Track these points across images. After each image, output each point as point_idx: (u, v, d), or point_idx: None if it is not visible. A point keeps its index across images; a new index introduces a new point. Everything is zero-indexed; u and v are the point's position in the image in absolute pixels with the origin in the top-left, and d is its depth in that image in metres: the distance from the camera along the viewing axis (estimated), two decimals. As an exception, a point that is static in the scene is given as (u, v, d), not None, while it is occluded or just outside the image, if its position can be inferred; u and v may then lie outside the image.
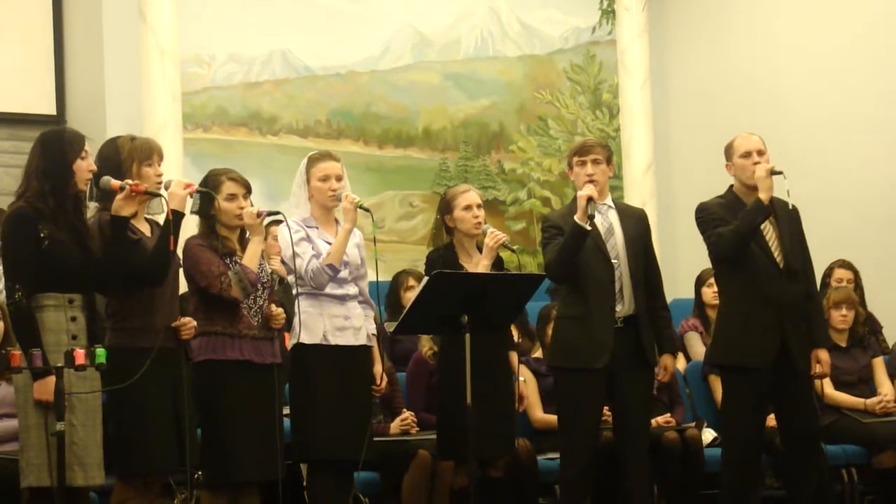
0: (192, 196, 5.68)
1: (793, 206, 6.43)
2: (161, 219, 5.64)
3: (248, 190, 6.05)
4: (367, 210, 6.14)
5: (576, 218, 6.12)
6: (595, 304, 6.24)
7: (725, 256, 6.43)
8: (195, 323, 5.74)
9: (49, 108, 10.07)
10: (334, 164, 6.23)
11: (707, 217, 6.45)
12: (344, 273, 6.15)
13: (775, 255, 6.38)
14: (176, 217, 5.49)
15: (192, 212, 5.94)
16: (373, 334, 6.30)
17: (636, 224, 6.46)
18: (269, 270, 6.14)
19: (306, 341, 6.07)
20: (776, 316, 6.33)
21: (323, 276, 6.04)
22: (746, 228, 6.26)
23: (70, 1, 10.21)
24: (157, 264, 5.50)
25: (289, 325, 6.29)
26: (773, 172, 6.28)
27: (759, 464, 6.65)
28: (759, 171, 6.30)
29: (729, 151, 6.52)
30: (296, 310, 6.11)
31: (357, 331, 6.17)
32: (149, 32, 9.51)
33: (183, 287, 6.17)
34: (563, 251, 6.19)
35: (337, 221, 6.29)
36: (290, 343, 6.21)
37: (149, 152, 5.69)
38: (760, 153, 6.43)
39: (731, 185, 6.52)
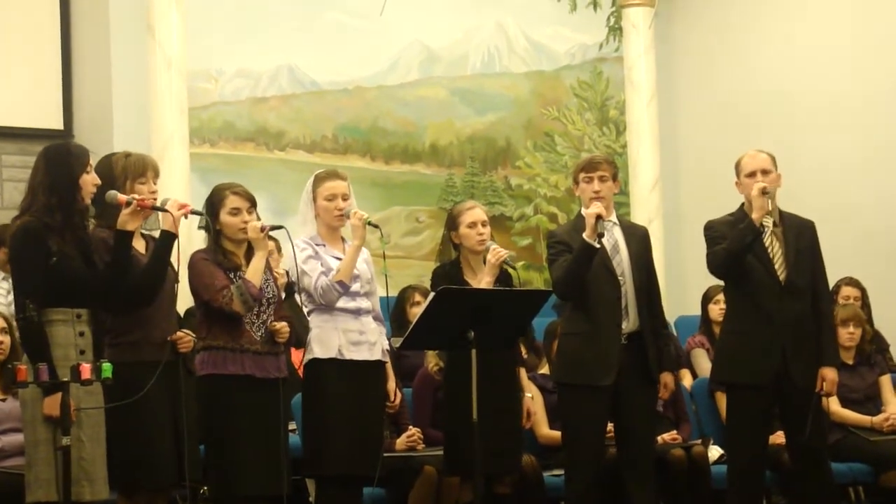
0: (186, 217, 5.67)
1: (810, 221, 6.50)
2: (157, 235, 5.64)
3: (253, 204, 6.04)
4: (375, 226, 6.15)
5: (584, 236, 6.12)
6: (601, 321, 6.24)
7: (716, 275, 6.54)
8: (192, 336, 5.74)
9: (56, 123, 10.07)
10: (340, 182, 6.23)
11: (711, 235, 6.50)
12: (356, 287, 6.15)
13: (778, 271, 6.38)
14: (169, 238, 5.48)
15: (198, 227, 5.96)
16: (387, 350, 6.30)
17: (640, 241, 6.48)
18: (275, 286, 6.14)
19: (321, 356, 6.06)
20: (774, 333, 6.33)
21: (332, 294, 6.04)
22: (735, 247, 6.30)
23: (78, 15, 10.22)
24: (147, 284, 5.51)
25: (298, 341, 6.28)
26: (763, 192, 6.29)
27: (763, 480, 6.63)
28: (753, 191, 6.32)
29: (737, 169, 6.53)
30: (308, 325, 6.10)
31: (372, 346, 6.17)
32: (156, 47, 9.52)
33: (189, 302, 6.16)
34: (572, 269, 6.19)
35: (343, 239, 6.30)
36: (302, 358, 6.20)
37: (142, 169, 5.70)
38: (765, 172, 6.44)
39: (743, 203, 6.53)
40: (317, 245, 6.17)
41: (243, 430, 5.87)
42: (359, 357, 6.12)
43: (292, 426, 6.73)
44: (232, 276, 5.91)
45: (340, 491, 6.12)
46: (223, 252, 5.96)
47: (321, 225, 6.23)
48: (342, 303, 6.10)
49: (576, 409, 6.31)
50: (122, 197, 5.42)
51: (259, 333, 5.99)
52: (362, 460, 6.04)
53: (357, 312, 6.16)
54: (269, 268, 6.15)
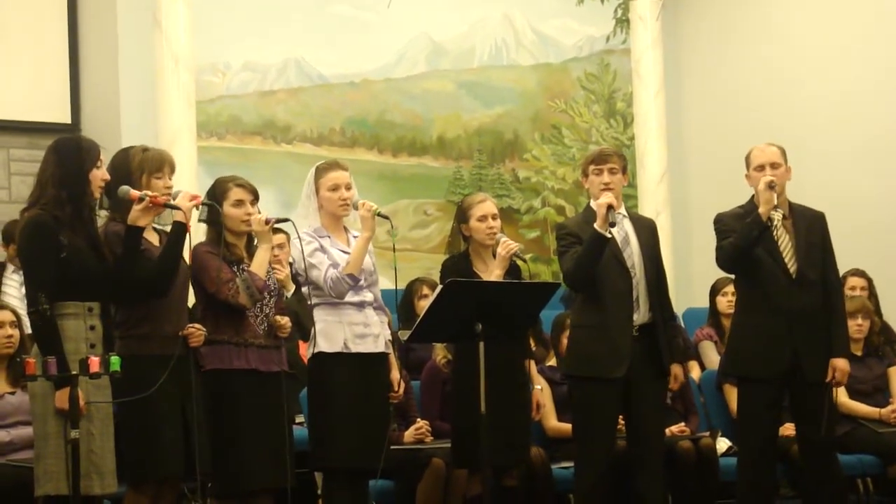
0: (198, 208, 5.68)
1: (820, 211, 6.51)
2: (169, 229, 5.64)
3: (256, 196, 6.04)
4: (385, 217, 6.14)
5: (596, 226, 6.12)
6: (613, 313, 6.24)
7: (725, 269, 6.56)
8: (203, 330, 5.74)
9: (64, 117, 10.08)
10: (343, 173, 6.22)
11: (720, 228, 6.50)
12: (360, 280, 6.14)
13: (788, 264, 6.38)
14: (181, 230, 5.49)
15: (199, 219, 5.94)
16: (389, 341, 6.30)
17: (649, 234, 6.48)
18: (275, 279, 6.13)
19: (326, 350, 6.05)
20: (786, 326, 6.33)
21: (343, 286, 6.03)
22: (743, 242, 6.30)
23: (85, 9, 10.23)
24: (162, 275, 5.52)
25: (306, 334, 6.26)
26: (769, 186, 6.28)
27: (774, 473, 6.63)
28: (760, 185, 6.31)
29: (747, 162, 6.53)
30: (313, 319, 6.09)
31: (376, 338, 6.16)
32: (163, 40, 9.53)
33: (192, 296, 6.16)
34: (583, 259, 6.19)
35: (346, 230, 6.29)
36: (307, 352, 6.20)
37: (160, 164, 5.69)
38: (774, 165, 6.43)
39: (753, 196, 6.52)
40: (321, 237, 6.16)
41: (248, 424, 5.86)
42: (364, 350, 6.11)
43: (300, 419, 6.73)
44: (235, 268, 5.91)
45: (347, 484, 6.12)
46: (226, 244, 5.96)
47: (325, 216, 6.22)
48: (348, 296, 6.09)
49: (587, 402, 6.30)
50: (135, 193, 5.42)
51: (262, 327, 5.99)
52: (368, 453, 6.03)
53: (361, 305, 6.15)
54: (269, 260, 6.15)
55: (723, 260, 6.45)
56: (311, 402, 6.20)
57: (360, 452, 6.02)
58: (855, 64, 10.83)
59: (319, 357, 6.08)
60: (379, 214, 6.08)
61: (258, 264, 5.91)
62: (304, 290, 6.20)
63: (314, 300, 6.13)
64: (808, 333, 6.35)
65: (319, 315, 6.11)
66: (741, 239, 6.31)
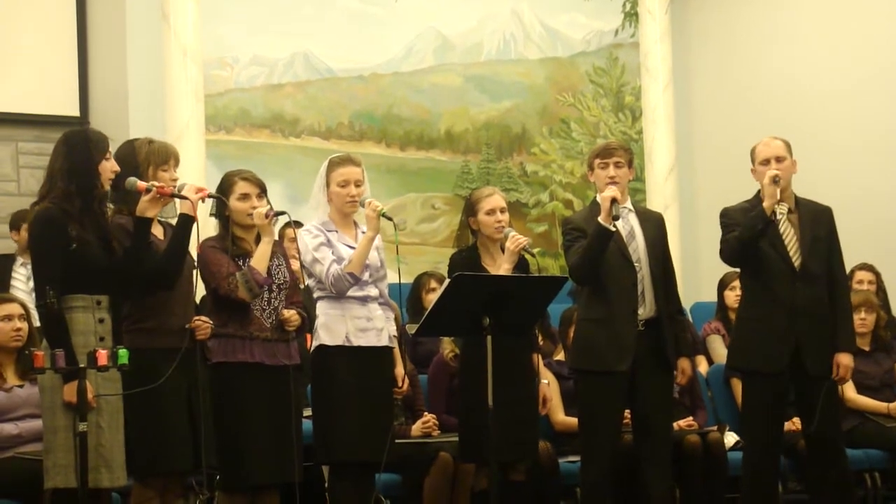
0: (203, 201, 5.68)
1: (827, 207, 6.50)
2: (175, 222, 5.65)
3: (263, 190, 6.03)
4: (389, 219, 6.13)
5: (600, 219, 6.12)
6: (617, 307, 6.24)
7: (730, 263, 6.54)
8: (210, 323, 5.74)
9: (72, 110, 10.09)
10: (354, 168, 6.21)
11: (726, 222, 6.49)
12: (365, 275, 6.14)
13: (793, 258, 6.37)
14: (188, 222, 5.50)
15: (210, 214, 5.96)
16: (394, 336, 6.30)
17: (655, 228, 6.48)
18: (287, 272, 6.12)
19: (328, 343, 6.06)
20: (789, 320, 6.31)
21: (344, 283, 6.03)
22: (746, 235, 6.29)
23: (93, 2, 10.24)
24: (168, 268, 5.52)
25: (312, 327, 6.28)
26: (774, 180, 6.27)
27: (779, 467, 6.62)
28: (764, 179, 6.30)
29: (752, 156, 6.52)
30: (315, 312, 6.09)
31: (379, 332, 6.16)
32: (172, 34, 9.54)
33: (203, 289, 6.17)
34: (589, 253, 6.19)
35: (356, 224, 6.29)
36: (310, 345, 6.20)
37: (165, 156, 5.70)
38: (779, 159, 6.42)
39: (759, 190, 6.51)
40: (328, 231, 6.16)
41: (254, 417, 5.87)
42: (366, 343, 6.12)
43: (309, 413, 6.73)
44: (240, 262, 5.92)
45: (351, 477, 6.12)
46: (233, 238, 5.97)
47: (334, 210, 6.22)
48: (351, 290, 6.09)
49: (592, 396, 6.31)
50: (142, 184, 5.43)
51: (270, 320, 5.99)
52: (371, 447, 6.03)
53: (364, 300, 6.15)
54: (282, 253, 6.15)
55: (727, 254, 6.44)
56: (313, 396, 6.21)
57: (363, 446, 6.02)
58: (864, 58, 10.82)
59: (321, 350, 6.09)
60: (383, 215, 6.07)
61: (258, 258, 5.91)
62: (309, 282, 6.21)
63: (317, 293, 6.14)
64: (811, 328, 6.34)
65: (322, 308, 6.12)
66: (745, 232, 6.30)
